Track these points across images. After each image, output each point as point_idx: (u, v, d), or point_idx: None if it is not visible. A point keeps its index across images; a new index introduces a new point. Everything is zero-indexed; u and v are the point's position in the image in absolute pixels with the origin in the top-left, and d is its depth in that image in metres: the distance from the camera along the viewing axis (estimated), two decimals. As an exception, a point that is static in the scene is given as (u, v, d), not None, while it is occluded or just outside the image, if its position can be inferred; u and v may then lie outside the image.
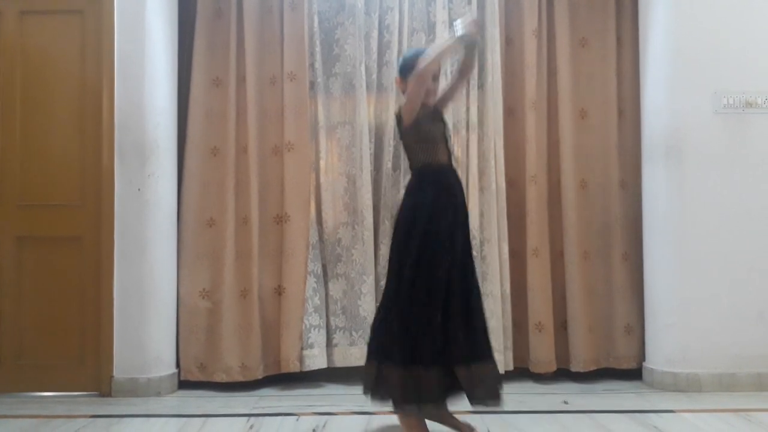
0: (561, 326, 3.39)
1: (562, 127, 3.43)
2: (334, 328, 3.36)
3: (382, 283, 3.27)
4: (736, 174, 3.16)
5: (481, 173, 3.36)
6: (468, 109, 3.40)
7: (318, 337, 3.29)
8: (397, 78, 2.46)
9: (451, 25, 3.41)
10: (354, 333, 3.32)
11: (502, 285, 3.29)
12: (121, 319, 3.11)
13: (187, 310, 3.30)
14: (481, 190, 3.35)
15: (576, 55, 3.48)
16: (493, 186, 3.33)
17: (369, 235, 3.31)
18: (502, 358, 3.25)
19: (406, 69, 2.33)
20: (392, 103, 3.35)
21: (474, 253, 2.49)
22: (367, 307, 3.27)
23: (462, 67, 2.45)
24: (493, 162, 3.34)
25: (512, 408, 2.84)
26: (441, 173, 2.33)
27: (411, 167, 2.38)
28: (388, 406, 2.24)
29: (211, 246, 3.33)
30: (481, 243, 3.31)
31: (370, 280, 3.30)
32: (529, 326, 3.34)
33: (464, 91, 3.40)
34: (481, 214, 3.33)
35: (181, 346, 3.29)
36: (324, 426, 2.62)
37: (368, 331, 3.23)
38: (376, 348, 2.30)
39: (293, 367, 3.24)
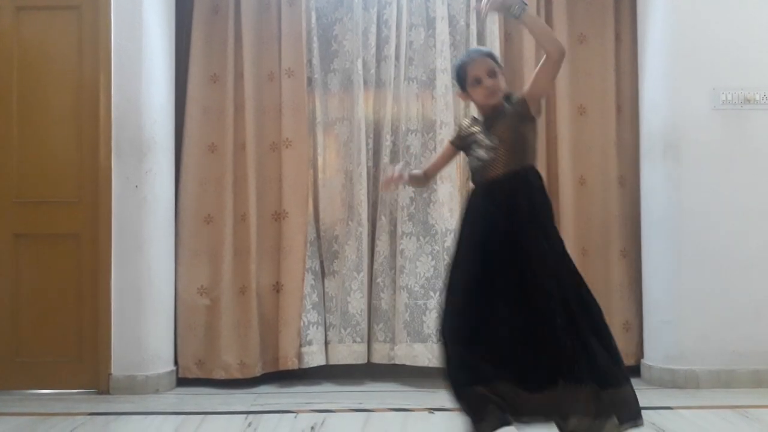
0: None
1: (561, 123, 3.42)
2: (331, 325, 3.35)
3: (379, 280, 3.29)
4: (735, 170, 3.16)
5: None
6: (464, 107, 3.38)
7: (316, 334, 3.28)
8: (459, 92, 2.23)
9: (450, 20, 3.40)
10: (343, 330, 3.30)
11: None
12: (119, 316, 3.10)
13: (185, 307, 3.29)
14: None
15: (574, 52, 3.47)
16: None
17: (363, 231, 3.30)
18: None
19: (461, 80, 2.16)
20: (390, 98, 3.34)
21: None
22: (357, 305, 3.26)
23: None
24: None
25: (510, 405, 2.84)
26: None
27: (521, 162, 2.08)
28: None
29: (209, 243, 3.33)
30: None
31: (361, 276, 3.28)
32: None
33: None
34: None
35: (179, 343, 3.28)
36: (322, 423, 2.62)
37: (357, 328, 3.25)
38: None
39: (291, 364, 3.23)
